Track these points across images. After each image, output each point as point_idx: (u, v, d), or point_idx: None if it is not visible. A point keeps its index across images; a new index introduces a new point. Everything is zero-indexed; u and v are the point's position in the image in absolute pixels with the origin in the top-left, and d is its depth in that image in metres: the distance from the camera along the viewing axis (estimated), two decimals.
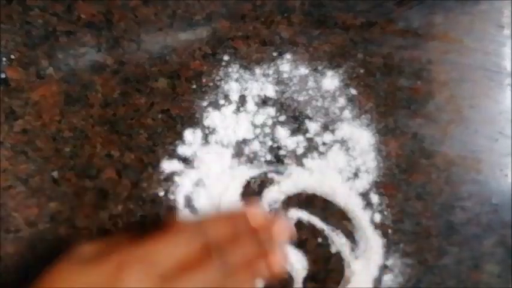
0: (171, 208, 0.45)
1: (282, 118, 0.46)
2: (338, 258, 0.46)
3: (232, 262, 0.37)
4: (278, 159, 0.46)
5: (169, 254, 0.36)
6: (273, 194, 0.46)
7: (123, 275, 0.34)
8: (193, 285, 0.36)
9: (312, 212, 0.46)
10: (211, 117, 0.46)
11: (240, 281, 0.38)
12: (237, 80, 0.46)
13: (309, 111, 0.46)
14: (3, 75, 0.44)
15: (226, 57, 0.46)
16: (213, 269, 0.36)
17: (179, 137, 0.45)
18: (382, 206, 0.46)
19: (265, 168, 0.46)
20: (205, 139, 0.46)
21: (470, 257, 0.47)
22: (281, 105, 0.46)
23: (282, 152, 0.46)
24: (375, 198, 0.46)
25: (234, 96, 0.46)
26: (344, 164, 0.46)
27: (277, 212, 0.46)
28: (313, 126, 0.46)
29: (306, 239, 0.46)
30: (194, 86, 0.46)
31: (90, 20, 0.45)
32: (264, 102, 0.46)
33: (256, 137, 0.46)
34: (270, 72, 0.46)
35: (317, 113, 0.46)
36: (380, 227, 0.46)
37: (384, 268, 0.46)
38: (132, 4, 0.45)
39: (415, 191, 0.47)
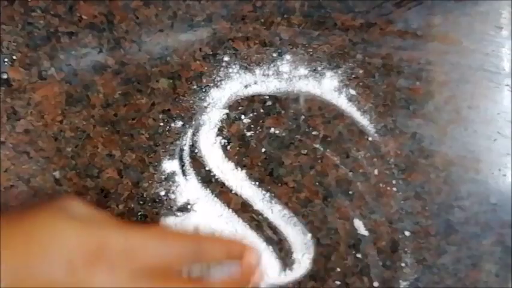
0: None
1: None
2: (339, 255, 0.46)
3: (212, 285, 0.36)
4: None
5: (155, 254, 0.34)
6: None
7: (100, 260, 0.32)
8: None
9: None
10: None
11: None
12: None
13: None
14: (5, 76, 0.44)
15: (226, 58, 0.46)
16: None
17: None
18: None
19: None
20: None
21: (469, 256, 0.47)
22: None
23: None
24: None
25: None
26: None
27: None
28: None
29: None
30: (195, 87, 0.46)
31: (91, 21, 0.45)
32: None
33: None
34: (270, 72, 0.46)
35: None
36: (378, 225, 0.47)
37: (383, 267, 0.47)
38: (133, 5, 0.45)
39: (414, 190, 0.47)
